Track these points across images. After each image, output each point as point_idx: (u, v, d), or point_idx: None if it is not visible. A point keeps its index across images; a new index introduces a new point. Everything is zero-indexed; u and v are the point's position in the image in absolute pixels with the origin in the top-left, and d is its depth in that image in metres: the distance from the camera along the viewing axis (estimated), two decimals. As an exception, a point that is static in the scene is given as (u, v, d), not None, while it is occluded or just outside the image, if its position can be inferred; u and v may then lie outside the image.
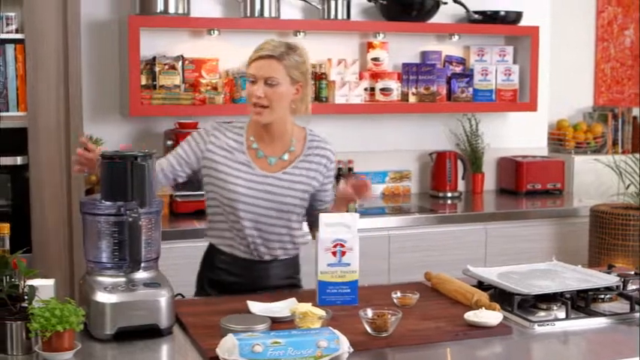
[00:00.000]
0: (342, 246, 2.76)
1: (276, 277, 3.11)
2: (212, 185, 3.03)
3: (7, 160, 3.99)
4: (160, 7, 4.45)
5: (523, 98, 5.29)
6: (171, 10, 4.47)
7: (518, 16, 5.23)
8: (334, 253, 2.76)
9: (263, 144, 3.06)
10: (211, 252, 3.12)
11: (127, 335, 2.42)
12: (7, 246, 2.44)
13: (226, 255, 3.06)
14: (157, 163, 2.90)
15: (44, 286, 2.44)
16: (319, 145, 3.13)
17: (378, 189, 5.16)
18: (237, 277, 3.06)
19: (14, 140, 3.99)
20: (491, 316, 2.56)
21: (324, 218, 2.79)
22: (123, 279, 2.49)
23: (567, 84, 5.78)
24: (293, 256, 3.17)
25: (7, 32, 4.03)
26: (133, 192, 2.53)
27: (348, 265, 2.77)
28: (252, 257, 3.05)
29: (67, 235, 4.05)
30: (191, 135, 3.10)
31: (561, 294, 2.74)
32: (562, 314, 2.67)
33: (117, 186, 2.53)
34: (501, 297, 2.76)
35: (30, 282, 2.36)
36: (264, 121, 2.99)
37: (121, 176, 2.53)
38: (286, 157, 3.07)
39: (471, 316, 2.57)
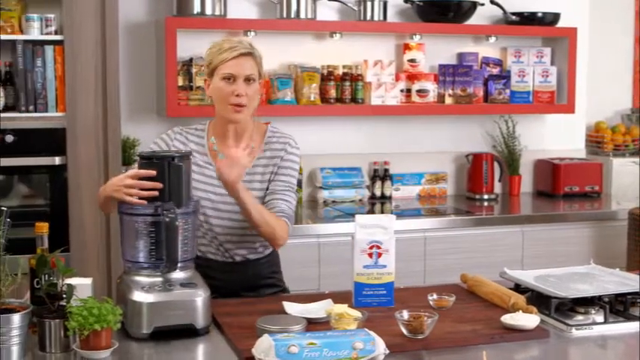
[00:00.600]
0: (379, 247, 2.75)
1: (254, 277, 3.06)
2: None
3: (45, 160, 4.04)
4: (196, 8, 4.48)
5: (561, 100, 5.25)
6: (208, 11, 4.49)
7: (556, 17, 5.18)
8: (370, 255, 2.75)
9: (224, 145, 3.01)
10: None
11: (164, 335, 2.44)
12: (46, 245, 2.47)
13: (200, 259, 2.96)
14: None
15: (82, 284, 2.46)
16: (278, 139, 3.05)
17: (414, 191, 5.14)
18: (214, 281, 2.88)
19: (53, 140, 4.04)
20: (528, 320, 2.54)
21: (359, 219, 2.79)
22: (160, 279, 2.51)
23: (605, 85, 5.72)
24: (267, 255, 3.10)
25: (47, 34, 4.07)
26: (170, 192, 2.54)
27: (385, 266, 2.76)
28: (225, 259, 3.03)
29: (105, 234, 4.09)
30: (154, 141, 3.04)
31: (599, 297, 2.72)
32: (600, 318, 2.65)
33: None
34: (538, 300, 2.74)
35: (68, 281, 2.38)
36: (241, 120, 2.96)
37: (158, 177, 2.55)
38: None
39: (507, 319, 2.56)
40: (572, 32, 5.17)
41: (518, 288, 2.90)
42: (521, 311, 2.60)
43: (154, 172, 2.56)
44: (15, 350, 2.22)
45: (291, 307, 2.66)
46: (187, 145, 3.02)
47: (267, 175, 3.01)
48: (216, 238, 3.00)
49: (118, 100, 4.10)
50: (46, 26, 4.07)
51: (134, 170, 2.63)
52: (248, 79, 2.92)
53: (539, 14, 5.15)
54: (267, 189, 3.00)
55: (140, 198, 2.55)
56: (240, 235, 3.00)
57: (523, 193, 5.33)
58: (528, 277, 2.92)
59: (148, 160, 2.59)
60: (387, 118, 5.09)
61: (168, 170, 2.55)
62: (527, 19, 5.13)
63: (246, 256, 3.04)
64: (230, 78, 2.91)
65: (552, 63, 5.30)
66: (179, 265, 2.53)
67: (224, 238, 3.00)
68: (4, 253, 2.30)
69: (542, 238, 4.65)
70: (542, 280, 2.88)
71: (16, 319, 2.21)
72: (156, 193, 2.54)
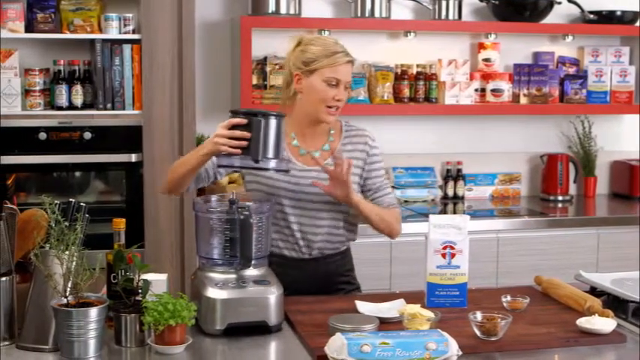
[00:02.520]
0: (452, 248, 2.74)
1: (329, 274, 3.06)
2: (256, 184, 3.00)
3: (122, 157, 4.10)
4: (271, 7, 4.50)
5: (639, 100, 5.15)
6: (283, 10, 4.52)
7: (635, 15, 5.09)
8: (444, 255, 2.74)
9: (303, 139, 3.04)
10: None
11: (237, 331, 2.46)
12: (123, 240, 2.51)
13: (276, 256, 2.97)
14: None
15: (157, 280, 2.49)
16: (357, 133, 3.11)
17: (487, 191, 5.10)
18: (287, 277, 2.83)
19: (129, 138, 4.10)
20: (604, 324, 2.50)
21: (434, 219, 2.78)
22: (233, 275, 2.53)
23: (686, 86, 5.60)
24: (343, 252, 3.11)
25: (125, 33, 4.14)
26: (265, 145, 2.63)
27: (458, 267, 2.75)
28: (302, 255, 3.02)
29: (179, 230, 4.14)
30: None
31: (678, 302, 2.67)
32: (679, 323, 2.60)
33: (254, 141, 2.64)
34: (615, 304, 2.70)
35: (144, 276, 2.42)
36: (332, 122, 3.02)
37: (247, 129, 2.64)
38: (327, 147, 3.04)
39: (583, 322, 2.52)
40: (652, 31, 5.08)
41: (594, 291, 2.86)
42: (597, 315, 2.56)
43: (244, 121, 2.64)
44: (92, 343, 2.26)
45: (363, 307, 2.66)
46: None
47: (352, 168, 3.00)
48: (294, 235, 3.00)
49: (194, 98, 4.15)
50: (124, 25, 4.14)
51: (227, 121, 2.70)
52: (347, 86, 2.99)
53: (618, 13, 5.05)
54: (363, 185, 3.06)
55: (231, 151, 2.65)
56: (319, 227, 3.00)
57: (599, 194, 5.25)
58: (604, 280, 2.88)
59: (235, 113, 2.71)
60: (461, 118, 5.06)
61: (264, 124, 2.64)
62: (606, 17, 5.04)
63: (322, 251, 3.04)
64: (335, 83, 2.94)
65: (631, 62, 5.20)
66: (253, 262, 2.55)
67: (300, 235, 3.00)
68: (83, 248, 2.34)
69: (618, 241, 4.57)
70: (618, 283, 2.83)
71: (93, 312, 2.25)
72: (244, 142, 2.63)
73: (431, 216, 2.79)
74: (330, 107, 2.95)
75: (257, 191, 3.00)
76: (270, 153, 2.65)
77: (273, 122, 2.65)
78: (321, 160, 2.95)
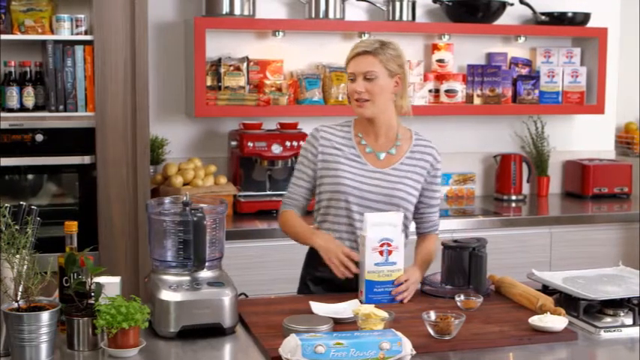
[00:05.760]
0: (389, 245, 2.77)
1: None
2: (324, 185, 3.07)
3: (75, 159, 4.06)
4: (225, 8, 4.49)
5: (590, 100, 5.21)
6: (237, 11, 4.50)
7: (587, 17, 5.15)
8: (381, 253, 2.77)
9: (370, 139, 3.12)
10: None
11: (191, 333, 2.45)
12: (75, 244, 2.49)
13: None
14: (292, 195, 3.13)
15: (110, 283, 2.48)
16: (425, 144, 3.19)
17: (441, 191, 5.12)
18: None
19: (82, 140, 4.06)
20: (556, 321, 2.53)
21: (369, 218, 2.81)
22: (187, 278, 2.53)
23: (636, 86, 5.67)
24: None
25: (77, 34, 4.10)
26: (470, 277, 2.92)
27: (394, 264, 2.78)
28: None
29: (133, 233, 4.11)
30: (301, 150, 3.15)
31: (628, 300, 2.70)
32: (629, 320, 2.63)
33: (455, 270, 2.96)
34: (567, 302, 2.73)
35: (97, 279, 2.40)
36: (366, 115, 3.05)
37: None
38: (394, 151, 3.12)
39: (535, 320, 2.55)
40: (602, 32, 5.13)
41: (547, 289, 2.89)
42: (549, 313, 2.59)
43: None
44: (43, 348, 2.24)
45: (317, 307, 2.66)
46: (333, 140, 3.10)
47: (415, 175, 3.10)
48: (355, 232, 3.02)
49: (147, 99, 4.12)
50: (76, 26, 4.10)
51: (354, 253, 2.89)
52: (367, 77, 3.00)
53: (570, 14, 5.11)
54: (420, 196, 3.12)
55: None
56: None
57: (551, 194, 5.30)
58: (556, 278, 2.91)
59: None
60: (415, 119, 5.05)
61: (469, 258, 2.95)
62: (557, 19, 5.09)
63: None
64: (352, 76, 3.04)
65: (582, 63, 5.26)
66: (207, 264, 2.54)
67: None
68: (34, 252, 2.32)
69: (570, 240, 4.63)
70: (570, 281, 2.86)
71: (44, 316, 2.23)
72: (350, 274, 2.88)
73: (366, 214, 2.83)
74: (356, 101, 3.03)
75: (325, 192, 3.07)
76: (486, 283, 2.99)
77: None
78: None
